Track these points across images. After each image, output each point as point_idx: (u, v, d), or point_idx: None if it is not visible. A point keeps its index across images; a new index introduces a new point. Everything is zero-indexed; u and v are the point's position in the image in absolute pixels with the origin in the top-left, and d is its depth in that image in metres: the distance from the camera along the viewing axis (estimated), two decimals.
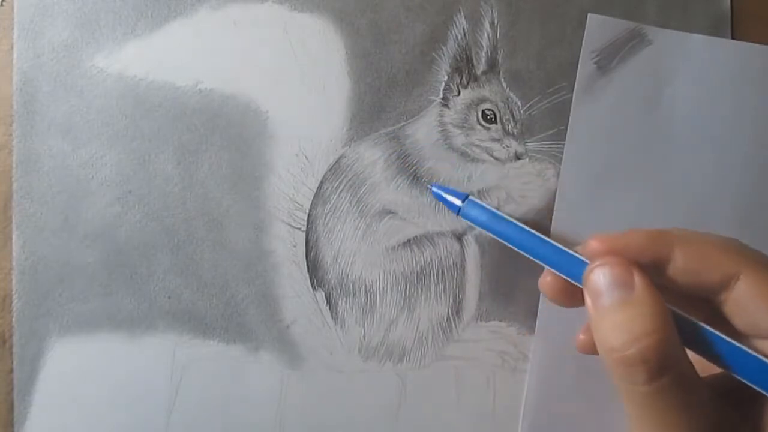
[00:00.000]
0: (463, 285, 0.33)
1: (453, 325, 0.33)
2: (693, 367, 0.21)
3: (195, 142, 0.32)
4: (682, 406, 0.21)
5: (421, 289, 0.33)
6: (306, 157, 0.33)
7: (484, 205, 0.30)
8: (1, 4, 0.32)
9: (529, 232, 0.28)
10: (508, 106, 0.33)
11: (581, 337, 0.28)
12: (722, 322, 0.23)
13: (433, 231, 0.33)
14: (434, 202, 0.33)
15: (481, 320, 0.33)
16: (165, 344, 0.33)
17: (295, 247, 0.33)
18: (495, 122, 0.33)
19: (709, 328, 0.23)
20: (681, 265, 0.23)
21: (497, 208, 0.32)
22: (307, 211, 0.33)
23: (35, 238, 0.32)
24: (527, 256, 0.28)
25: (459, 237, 0.33)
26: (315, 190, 0.33)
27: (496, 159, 0.33)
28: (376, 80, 0.33)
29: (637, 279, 0.22)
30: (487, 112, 0.33)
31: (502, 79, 0.33)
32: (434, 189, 0.32)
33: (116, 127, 0.32)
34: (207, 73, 0.32)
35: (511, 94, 0.33)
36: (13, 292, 0.32)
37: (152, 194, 0.32)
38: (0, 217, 0.32)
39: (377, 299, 0.33)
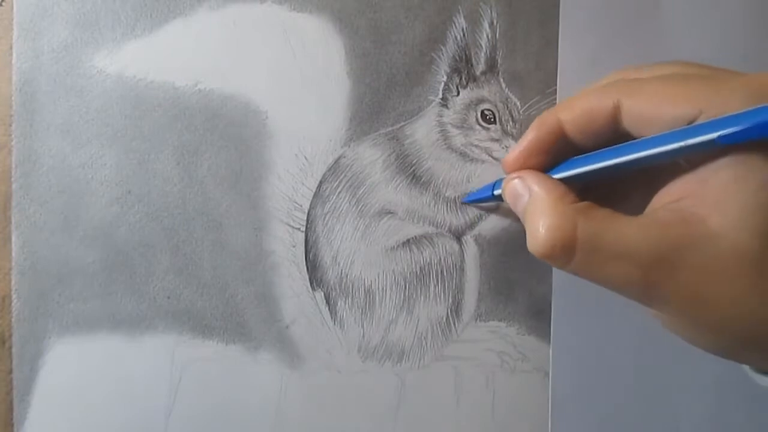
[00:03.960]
0: (463, 285, 0.33)
1: (452, 325, 0.33)
2: (606, 215, 0.23)
3: (194, 142, 0.32)
4: (612, 257, 0.22)
5: (421, 289, 0.33)
6: (305, 157, 0.33)
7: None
8: (1, 4, 0.32)
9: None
10: (507, 107, 0.33)
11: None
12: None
13: (432, 231, 0.33)
14: (433, 202, 0.33)
15: (480, 320, 0.33)
16: (165, 344, 0.33)
17: (294, 247, 0.33)
18: (494, 122, 0.33)
19: (587, 156, 0.25)
20: (572, 125, 0.25)
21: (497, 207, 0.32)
22: (307, 211, 0.33)
23: (35, 238, 0.32)
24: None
25: (458, 237, 0.33)
26: (314, 191, 0.33)
27: (496, 159, 0.33)
28: (375, 80, 0.33)
29: (529, 179, 0.25)
30: (486, 113, 0.33)
31: (501, 80, 0.33)
32: (466, 200, 0.33)
33: (116, 127, 0.32)
34: (206, 73, 0.32)
35: (510, 95, 0.33)
36: (13, 293, 0.32)
37: (151, 194, 0.32)
38: None
39: (376, 299, 0.33)
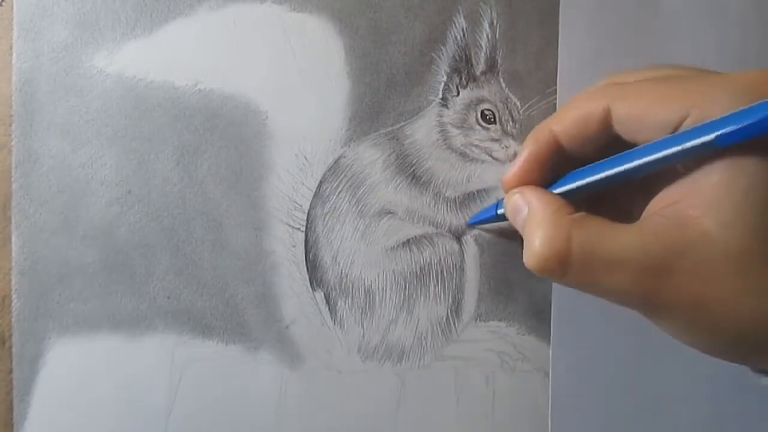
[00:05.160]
0: (463, 285, 0.33)
1: (452, 326, 0.33)
2: (601, 226, 0.23)
3: (194, 142, 0.32)
4: (608, 268, 0.22)
5: (421, 289, 0.33)
6: (305, 157, 0.33)
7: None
8: (1, 4, 0.32)
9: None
10: (507, 107, 0.33)
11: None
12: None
13: (432, 231, 0.33)
14: (433, 202, 0.33)
15: (480, 320, 0.33)
16: (164, 344, 0.33)
17: (294, 247, 0.33)
18: (494, 122, 0.33)
19: (584, 167, 0.25)
20: (564, 135, 0.26)
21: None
22: (307, 211, 0.33)
23: (34, 238, 0.32)
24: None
25: (458, 237, 0.33)
26: (314, 191, 0.33)
27: (495, 159, 0.33)
28: (375, 80, 0.33)
29: (527, 194, 0.26)
30: (486, 113, 0.33)
31: (501, 80, 0.33)
32: (470, 222, 0.33)
33: (116, 127, 0.32)
34: (206, 73, 0.32)
35: (510, 95, 0.33)
36: (13, 293, 0.32)
37: (151, 194, 0.32)
38: None
39: (376, 299, 0.33)
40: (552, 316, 0.33)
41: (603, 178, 0.25)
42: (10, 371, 0.32)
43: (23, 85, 0.32)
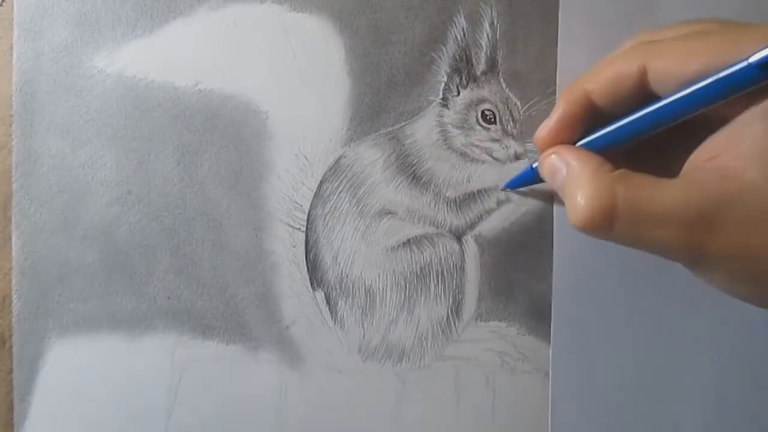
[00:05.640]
0: (463, 285, 0.33)
1: (453, 326, 0.33)
2: (643, 180, 0.23)
3: (194, 142, 0.32)
4: (653, 223, 0.22)
5: (421, 290, 0.33)
6: (305, 157, 0.33)
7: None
8: (1, 4, 0.32)
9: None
10: (508, 107, 0.33)
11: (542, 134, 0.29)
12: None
13: (433, 231, 0.33)
14: (434, 202, 0.33)
15: (480, 320, 0.33)
16: (165, 344, 0.33)
17: (294, 247, 0.33)
18: (494, 122, 0.33)
19: (621, 122, 0.25)
20: (600, 94, 0.26)
21: (495, 209, 0.33)
22: (307, 211, 0.33)
23: (34, 238, 0.32)
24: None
25: (458, 237, 0.33)
26: (314, 191, 0.33)
27: (496, 159, 0.33)
28: (375, 80, 0.33)
29: (564, 153, 0.26)
30: (487, 113, 0.33)
31: (502, 80, 0.33)
32: (507, 186, 0.33)
33: (116, 127, 0.32)
34: (206, 73, 0.32)
35: (511, 95, 0.33)
36: (13, 293, 0.32)
37: (152, 194, 0.32)
38: None
39: (377, 299, 0.33)
40: (552, 316, 0.33)
41: (638, 124, 0.25)
42: (10, 371, 0.32)
43: (23, 85, 0.32)
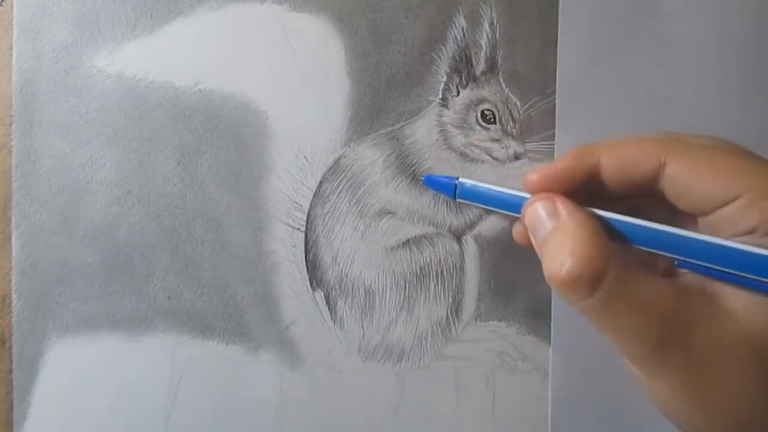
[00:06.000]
0: (462, 285, 0.33)
1: (452, 325, 0.33)
2: (633, 264, 0.22)
3: (194, 142, 0.32)
4: (628, 306, 0.22)
5: (421, 290, 0.33)
6: (305, 157, 0.33)
7: (475, 183, 0.30)
8: (1, 4, 0.32)
9: (511, 195, 0.28)
10: (507, 107, 0.33)
11: (518, 227, 0.28)
12: (678, 214, 0.24)
13: (432, 231, 0.33)
14: (433, 202, 0.33)
15: (480, 320, 0.33)
16: (165, 344, 0.33)
17: (294, 247, 0.33)
18: (494, 122, 0.33)
19: (639, 221, 0.24)
20: (610, 170, 0.24)
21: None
22: (307, 211, 0.33)
23: (34, 239, 0.32)
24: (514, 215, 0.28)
25: (458, 237, 0.33)
26: (314, 191, 0.33)
27: (495, 159, 0.33)
28: (375, 80, 0.33)
29: (560, 206, 0.24)
30: (486, 113, 0.33)
31: (501, 80, 0.33)
32: (425, 178, 0.32)
33: (116, 127, 0.32)
34: (206, 73, 0.32)
35: (510, 95, 0.33)
36: (13, 293, 0.32)
37: (151, 194, 0.32)
38: None
39: (376, 299, 0.33)
40: (552, 316, 0.33)
41: (651, 238, 0.23)
42: (10, 371, 0.32)
43: (23, 85, 0.32)
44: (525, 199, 0.26)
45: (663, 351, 0.21)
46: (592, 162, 0.25)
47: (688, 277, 0.23)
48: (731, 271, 0.22)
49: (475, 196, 0.29)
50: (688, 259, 0.23)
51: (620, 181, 0.25)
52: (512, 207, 0.27)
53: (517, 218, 0.27)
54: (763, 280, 0.21)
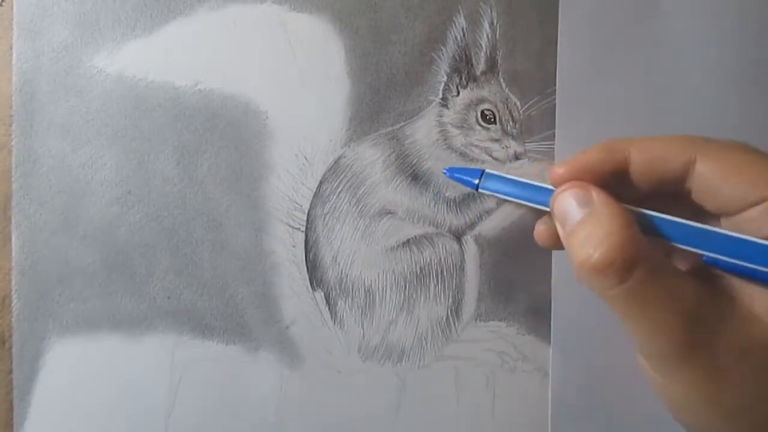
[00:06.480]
0: (463, 285, 0.33)
1: (452, 326, 0.33)
2: (664, 258, 0.22)
3: (194, 143, 0.32)
4: (659, 298, 0.21)
5: (421, 290, 0.33)
6: (305, 157, 0.33)
7: (500, 174, 0.29)
8: (1, 4, 0.32)
9: (536, 186, 0.27)
10: (507, 107, 0.33)
11: (540, 227, 0.28)
12: (703, 215, 0.24)
13: (432, 231, 0.33)
14: (433, 202, 0.33)
15: (480, 320, 0.33)
16: (165, 344, 0.33)
17: (294, 247, 0.33)
18: (494, 122, 0.33)
19: (671, 217, 0.24)
20: (639, 165, 0.24)
21: (495, 209, 0.32)
22: (307, 211, 0.33)
23: (34, 239, 0.32)
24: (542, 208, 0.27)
25: (458, 237, 0.33)
26: (314, 191, 0.33)
27: (496, 159, 0.33)
28: (375, 80, 0.33)
29: (594, 193, 0.24)
30: (486, 113, 0.33)
31: (501, 80, 0.33)
32: (448, 172, 0.31)
33: (116, 127, 0.32)
34: (206, 73, 0.32)
35: (510, 95, 0.33)
36: (13, 293, 0.32)
37: (151, 194, 0.32)
38: None
39: (376, 299, 0.33)
40: (552, 316, 0.33)
41: (684, 241, 0.23)
42: (10, 371, 0.32)
43: (23, 85, 0.32)
44: (553, 190, 0.26)
45: (687, 350, 0.21)
46: (622, 156, 0.25)
47: (713, 279, 0.23)
48: (759, 268, 0.22)
49: (501, 186, 0.29)
50: (716, 255, 0.23)
51: (649, 176, 0.24)
52: (539, 198, 0.27)
53: (540, 218, 0.27)
54: None
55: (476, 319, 0.33)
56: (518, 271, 0.33)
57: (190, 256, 0.33)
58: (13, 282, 0.32)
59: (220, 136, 0.33)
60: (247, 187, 0.33)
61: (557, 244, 0.26)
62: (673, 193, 0.24)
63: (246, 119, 0.33)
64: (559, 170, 0.25)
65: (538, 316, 0.33)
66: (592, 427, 0.34)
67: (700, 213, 0.24)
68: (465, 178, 0.30)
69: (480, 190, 0.29)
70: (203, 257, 0.33)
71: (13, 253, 0.32)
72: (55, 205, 0.32)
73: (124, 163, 0.32)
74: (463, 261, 0.33)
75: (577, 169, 0.25)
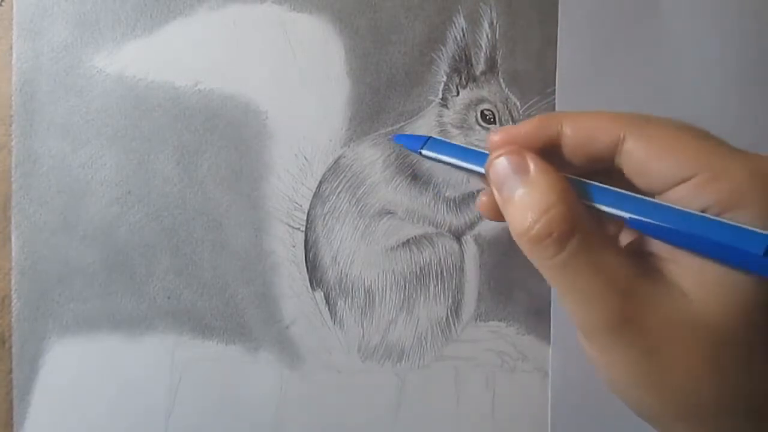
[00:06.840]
0: (462, 285, 0.33)
1: (452, 326, 0.33)
2: (601, 230, 0.22)
3: (194, 143, 0.32)
4: (593, 268, 0.21)
5: (420, 290, 0.33)
6: (305, 157, 0.33)
7: (445, 140, 0.28)
8: (1, 4, 0.32)
9: (479, 151, 0.27)
10: (507, 107, 0.33)
11: (483, 198, 0.27)
12: (635, 192, 0.24)
13: (432, 231, 0.33)
14: (433, 202, 0.33)
15: (480, 320, 0.33)
16: (165, 344, 0.33)
17: (294, 247, 0.33)
18: (494, 122, 0.33)
19: (608, 187, 0.23)
20: (571, 140, 0.24)
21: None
22: (306, 211, 0.33)
23: (34, 239, 0.32)
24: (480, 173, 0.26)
25: (458, 237, 0.33)
26: (314, 191, 0.33)
27: None
28: (375, 80, 0.33)
29: (530, 161, 0.23)
30: (486, 113, 0.33)
31: (501, 80, 0.33)
32: (396, 139, 0.30)
33: (116, 127, 0.32)
34: (206, 73, 0.32)
35: (510, 95, 0.33)
36: (13, 293, 0.32)
37: (151, 194, 0.32)
38: None
39: (376, 299, 0.33)
40: (552, 316, 0.33)
41: (610, 204, 0.23)
42: (10, 371, 0.32)
43: (23, 85, 0.32)
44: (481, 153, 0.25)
45: (620, 324, 0.21)
46: (555, 129, 0.25)
47: (646, 258, 0.23)
48: (676, 228, 0.22)
49: (443, 150, 0.28)
50: (640, 218, 0.23)
51: (580, 151, 0.24)
52: (478, 162, 0.26)
53: (485, 192, 0.26)
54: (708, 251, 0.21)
55: (476, 319, 0.33)
56: (518, 271, 0.33)
57: (190, 256, 0.33)
58: (13, 282, 0.32)
59: (220, 136, 0.33)
60: (247, 187, 0.33)
61: (501, 215, 0.26)
62: (606, 170, 0.24)
63: (246, 119, 0.33)
64: (495, 137, 0.25)
65: (538, 316, 0.33)
66: (591, 427, 0.34)
67: (632, 191, 0.24)
68: (410, 142, 0.29)
69: (423, 153, 0.29)
70: (203, 257, 0.33)
71: (13, 253, 0.32)
72: (55, 205, 0.32)
73: (124, 163, 0.32)
74: (462, 261, 0.33)
75: (512, 135, 0.25)
